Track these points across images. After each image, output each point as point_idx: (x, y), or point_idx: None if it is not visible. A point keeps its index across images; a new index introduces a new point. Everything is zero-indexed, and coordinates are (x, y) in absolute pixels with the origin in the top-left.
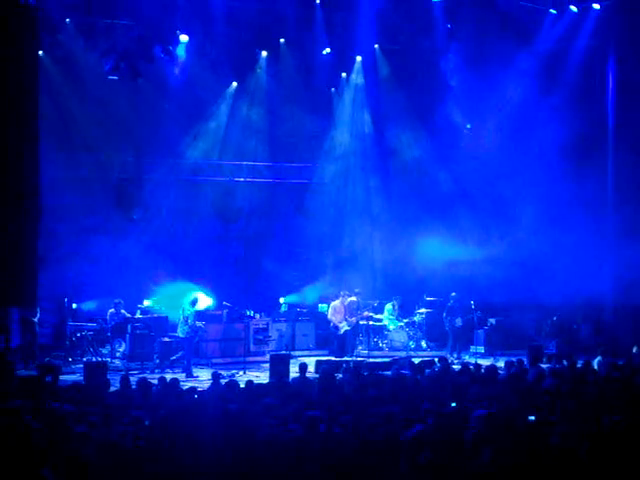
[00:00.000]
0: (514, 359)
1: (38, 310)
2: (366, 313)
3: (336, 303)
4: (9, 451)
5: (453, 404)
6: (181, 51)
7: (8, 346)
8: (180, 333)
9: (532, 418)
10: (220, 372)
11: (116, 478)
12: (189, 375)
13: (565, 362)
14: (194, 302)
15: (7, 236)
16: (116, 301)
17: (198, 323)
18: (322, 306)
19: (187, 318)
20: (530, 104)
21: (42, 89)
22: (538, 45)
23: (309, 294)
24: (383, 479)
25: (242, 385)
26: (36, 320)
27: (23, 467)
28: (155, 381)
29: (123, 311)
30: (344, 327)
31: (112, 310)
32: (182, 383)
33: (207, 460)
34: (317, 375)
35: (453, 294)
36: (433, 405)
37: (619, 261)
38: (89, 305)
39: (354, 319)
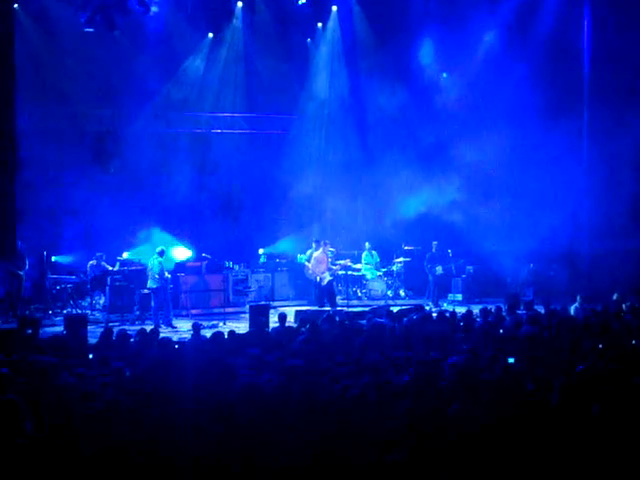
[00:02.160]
0: (491, 306)
1: (27, 262)
2: (347, 261)
3: (318, 253)
4: None
5: (431, 352)
6: (154, 7)
7: None
8: (149, 284)
9: (511, 360)
10: (200, 323)
11: (98, 428)
12: (169, 325)
13: (542, 309)
14: (161, 253)
15: None
16: (98, 254)
17: (167, 274)
18: (301, 257)
19: (153, 268)
20: (505, 56)
21: (17, 43)
22: None
23: (285, 245)
24: (362, 427)
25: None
26: (22, 273)
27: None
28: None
29: (104, 263)
30: (327, 277)
31: (93, 262)
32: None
33: (186, 410)
34: (296, 325)
35: (435, 243)
36: (410, 353)
37: (595, 211)
38: (67, 259)
39: (337, 267)
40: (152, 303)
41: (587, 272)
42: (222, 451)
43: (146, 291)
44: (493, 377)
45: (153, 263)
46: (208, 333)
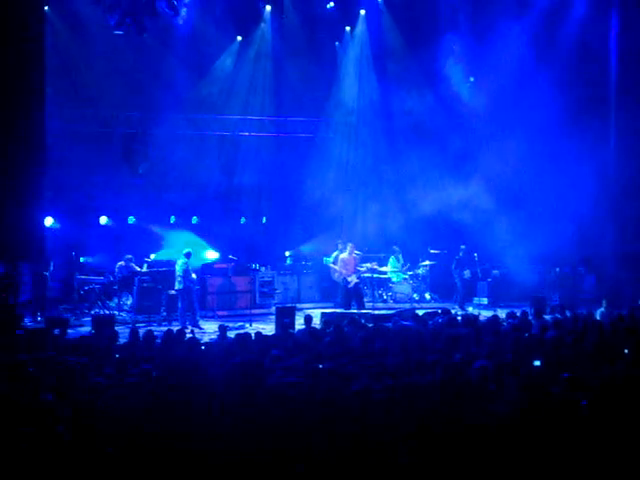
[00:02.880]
0: (517, 310)
1: (51, 264)
2: (374, 264)
3: (345, 255)
4: (15, 404)
5: (457, 355)
6: (184, 11)
7: (16, 300)
8: (177, 286)
9: (537, 363)
10: (227, 324)
11: (124, 429)
12: (188, 325)
13: (568, 313)
14: (187, 254)
15: (14, 189)
16: (127, 257)
17: (194, 275)
18: (327, 259)
19: (179, 271)
20: (532, 61)
21: (48, 44)
22: (539, 2)
23: (311, 247)
24: (386, 428)
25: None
26: (48, 274)
27: (30, 420)
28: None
29: (132, 264)
30: (354, 280)
31: (121, 263)
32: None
33: (213, 411)
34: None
35: (462, 247)
36: (437, 356)
37: (622, 214)
38: (96, 259)
39: (364, 269)
40: (179, 304)
41: (614, 276)
42: (249, 452)
43: (173, 292)
44: (518, 380)
45: (178, 265)
46: (235, 335)
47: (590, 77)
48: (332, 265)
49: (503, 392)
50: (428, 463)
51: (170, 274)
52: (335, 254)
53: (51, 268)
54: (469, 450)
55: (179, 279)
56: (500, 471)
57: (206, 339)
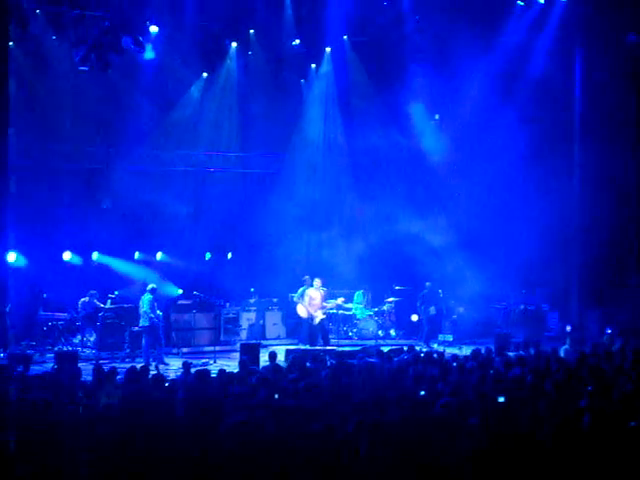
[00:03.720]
0: (481, 348)
1: (8, 300)
2: (340, 300)
3: (312, 291)
4: None
5: (421, 392)
6: (149, 54)
7: None
8: (142, 322)
9: (501, 399)
10: (191, 361)
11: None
12: (152, 362)
13: (532, 350)
14: (152, 290)
15: None
16: (91, 292)
17: (158, 312)
18: (293, 295)
19: (145, 306)
20: (496, 99)
21: (12, 80)
22: (505, 37)
23: (276, 284)
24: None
25: (214, 374)
26: (7, 310)
27: None
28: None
29: (96, 301)
30: (320, 316)
31: (85, 299)
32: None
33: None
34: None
35: (428, 284)
36: (401, 393)
37: (585, 252)
38: (59, 295)
39: (331, 305)
40: (143, 341)
41: (578, 312)
42: None
43: (137, 328)
44: (482, 417)
45: (144, 301)
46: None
47: (554, 114)
48: (297, 300)
49: (467, 429)
50: None
51: (134, 310)
52: (302, 290)
53: (9, 305)
54: None
55: (145, 316)
56: None
57: (172, 375)
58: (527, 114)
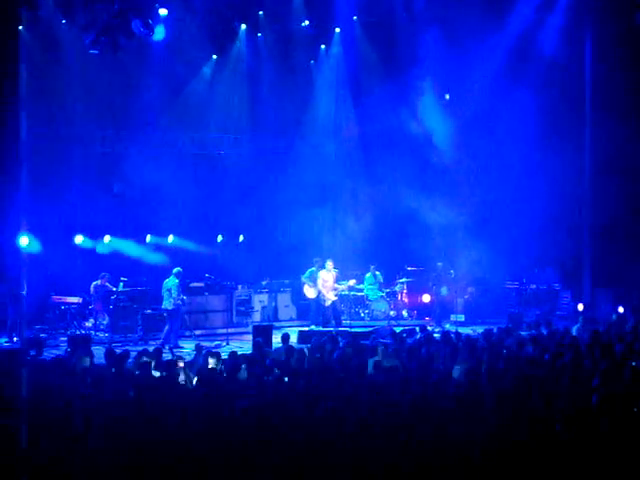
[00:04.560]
0: (493, 327)
1: (25, 283)
2: (352, 282)
3: (324, 273)
4: None
5: (435, 373)
6: (160, 34)
7: None
8: (166, 305)
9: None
10: (203, 344)
11: (102, 448)
12: (176, 346)
13: (544, 329)
14: (178, 274)
15: None
16: (103, 274)
17: (182, 295)
18: (302, 276)
19: (170, 290)
20: (506, 77)
21: (23, 65)
22: (515, 16)
23: (289, 265)
24: (362, 448)
25: (224, 356)
26: (24, 293)
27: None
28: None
29: (107, 284)
30: (332, 297)
31: (97, 282)
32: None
33: (190, 430)
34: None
35: (440, 264)
36: (414, 374)
37: (596, 229)
38: (71, 278)
39: (343, 287)
40: (167, 324)
41: (590, 291)
42: (220, 472)
43: (149, 312)
44: (495, 397)
45: (170, 284)
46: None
47: (564, 93)
48: (305, 281)
49: (480, 410)
50: None
51: (146, 293)
52: (310, 271)
53: (25, 288)
54: (448, 470)
55: (170, 299)
56: None
57: (186, 359)
58: (537, 93)
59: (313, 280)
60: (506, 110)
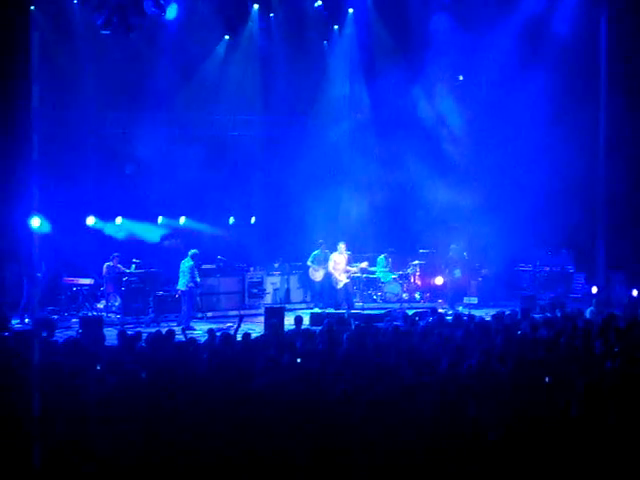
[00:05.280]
0: (507, 310)
1: (43, 264)
2: (364, 264)
3: (336, 256)
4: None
5: (448, 355)
6: (172, 12)
7: (3, 300)
8: (180, 286)
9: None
10: (215, 325)
11: (113, 429)
12: (188, 328)
13: (557, 312)
14: (194, 256)
15: (1, 190)
16: (114, 254)
17: (197, 277)
18: (309, 261)
19: (184, 271)
20: (520, 57)
21: (34, 45)
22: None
23: (301, 248)
24: (376, 431)
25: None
26: (40, 275)
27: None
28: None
29: (119, 265)
30: (343, 280)
31: (109, 263)
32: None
33: (204, 411)
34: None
35: (453, 246)
36: (427, 356)
37: (610, 211)
38: (83, 260)
39: (355, 269)
40: (183, 306)
41: (604, 274)
42: (235, 452)
43: (161, 293)
44: (510, 379)
45: (185, 265)
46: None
47: (579, 70)
48: (311, 265)
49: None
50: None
51: (158, 275)
52: (314, 254)
53: (43, 268)
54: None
55: (184, 280)
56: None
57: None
58: (553, 71)
59: (318, 262)
60: (519, 91)
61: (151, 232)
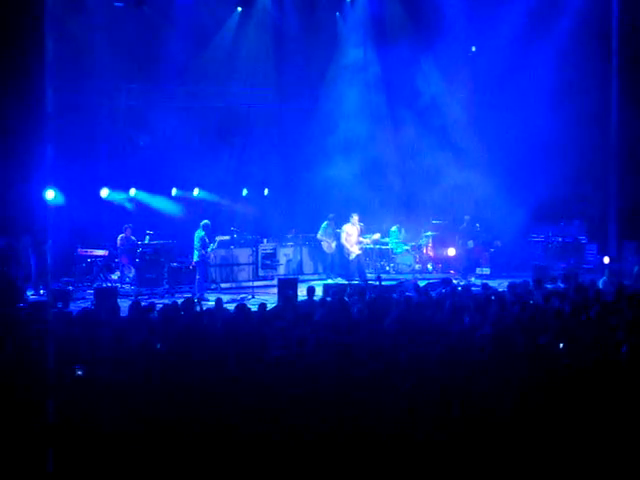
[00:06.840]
0: (518, 280)
1: (49, 236)
2: (377, 235)
3: (349, 227)
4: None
5: (461, 325)
6: None
7: (18, 273)
8: (194, 257)
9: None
10: (229, 296)
11: (127, 400)
12: (202, 298)
13: (570, 282)
14: (205, 226)
15: (15, 162)
16: (126, 225)
17: (210, 248)
18: (319, 234)
19: (196, 242)
20: (533, 31)
21: (48, 17)
22: None
23: (314, 219)
24: (389, 397)
25: (254, 308)
26: (47, 247)
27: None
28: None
29: (132, 236)
30: (356, 251)
31: (123, 235)
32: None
33: (218, 380)
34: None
35: (466, 217)
36: (441, 327)
37: (623, 182)
38: (97, 231)
39: (367, 241)
40: (197, 276)
41: (616, 244)
42: (249, 423)
43: (175, 264)
44: (523, 350)
45: (197, 236)
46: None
47: (592, 45)
48: (321, 238)
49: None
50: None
51: (172, 246)
52: (323, 227)
53: (50, 241)
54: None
55: (195, 251)
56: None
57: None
58: (564, 44)
59: (328, 235)
60: (533, 62)
61: (166, 204)
